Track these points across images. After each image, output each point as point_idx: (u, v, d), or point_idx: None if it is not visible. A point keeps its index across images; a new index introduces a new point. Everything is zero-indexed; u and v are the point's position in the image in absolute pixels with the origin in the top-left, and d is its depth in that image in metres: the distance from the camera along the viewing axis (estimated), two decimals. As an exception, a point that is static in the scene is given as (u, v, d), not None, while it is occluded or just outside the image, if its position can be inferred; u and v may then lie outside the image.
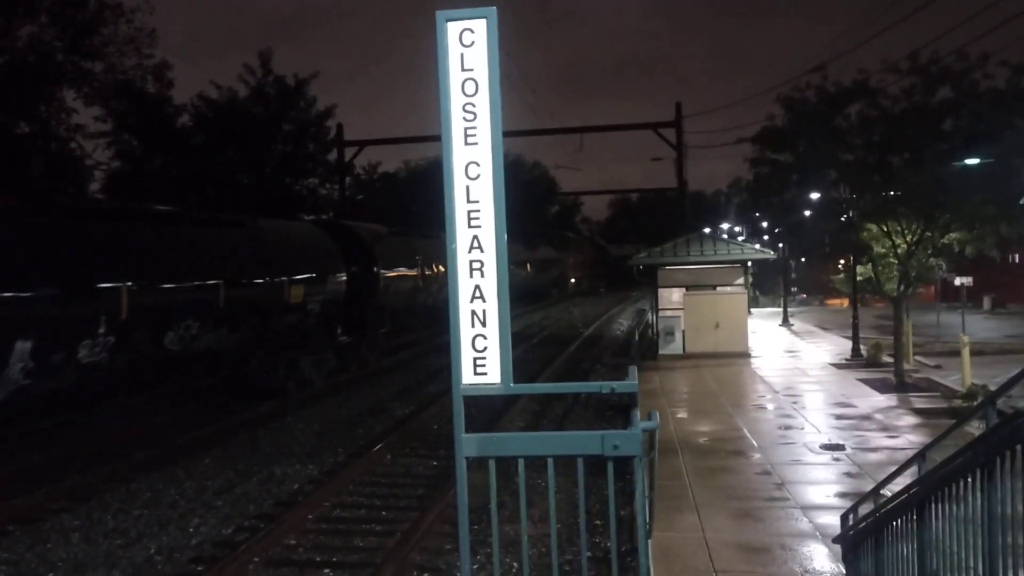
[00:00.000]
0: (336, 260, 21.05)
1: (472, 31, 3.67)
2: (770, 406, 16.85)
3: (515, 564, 8.53)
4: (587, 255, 78.69)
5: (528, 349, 29.28)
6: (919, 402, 16.82)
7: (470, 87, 3.70)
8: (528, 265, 51.70)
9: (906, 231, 19.17)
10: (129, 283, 13.01)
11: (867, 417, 15.33)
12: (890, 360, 20.95)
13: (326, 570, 8.86)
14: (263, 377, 18.54)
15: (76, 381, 12.68)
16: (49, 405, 13.60)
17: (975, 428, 9.57)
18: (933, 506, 4.51)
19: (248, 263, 16.82)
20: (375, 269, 22.57)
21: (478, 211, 3.78)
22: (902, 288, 19.99)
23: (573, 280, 71.17)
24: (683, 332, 24.73)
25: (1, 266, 11.10)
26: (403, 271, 24.90)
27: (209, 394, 18.40)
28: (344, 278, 21.20)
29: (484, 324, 3.77)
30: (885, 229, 19.59)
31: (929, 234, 18.89)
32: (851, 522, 6.93)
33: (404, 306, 25.37)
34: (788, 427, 14.59)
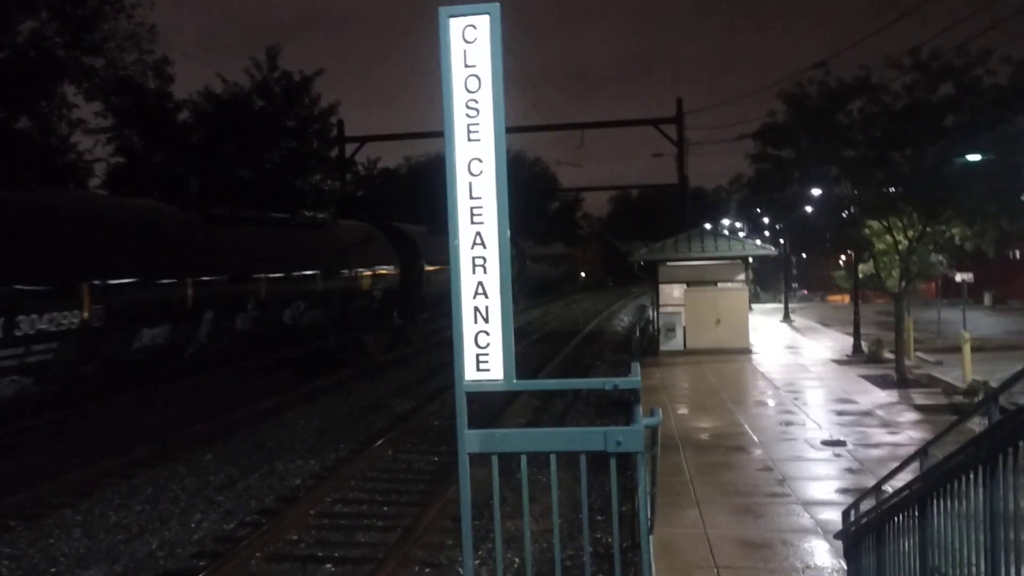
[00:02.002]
0: (391, 255, 25.05)
1: (475, 27, 3.66)
2: (771, 402, 16.86)
3: (517, 560, 8.54)
4: (596, 250, 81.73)
5: (530, 344, 29.29)
6: (920, 398, 16.83)
7: (473, 83, 3.69)
8: (542, 260, 55.67)
9: (907, 227, 19.17)
10: (266, 273, 17.52)
11: (868, 413, 15.34)
12: (891, 356, 20.95)
13: (328, 565, 8.87)
14: (338, 350, 22.65)
15: (231, 344, 17.01)
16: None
17: (977, 424, 9.57)
18: (935, 502, 4.51)
19: (334, 258, 21.16)
20: (420, 263, 26.09)
21: (480, 207, 3.77)
22: (903, 284, 19.99)
23: (583, 274, 74.56)
24: (684, 328, 24.73)
25: (193, 259, 15.41)
26: (440, 266, 27.18)
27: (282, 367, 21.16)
28: (397, 271, 25.19)
29: (487, 320, 3.77)
30: (886, 225, 19.59)
31: (930, 230, 18.89)
32: (852, 518, 6.93)
33: (440, 295, 27.68)
34: (789, 423, 14.60)
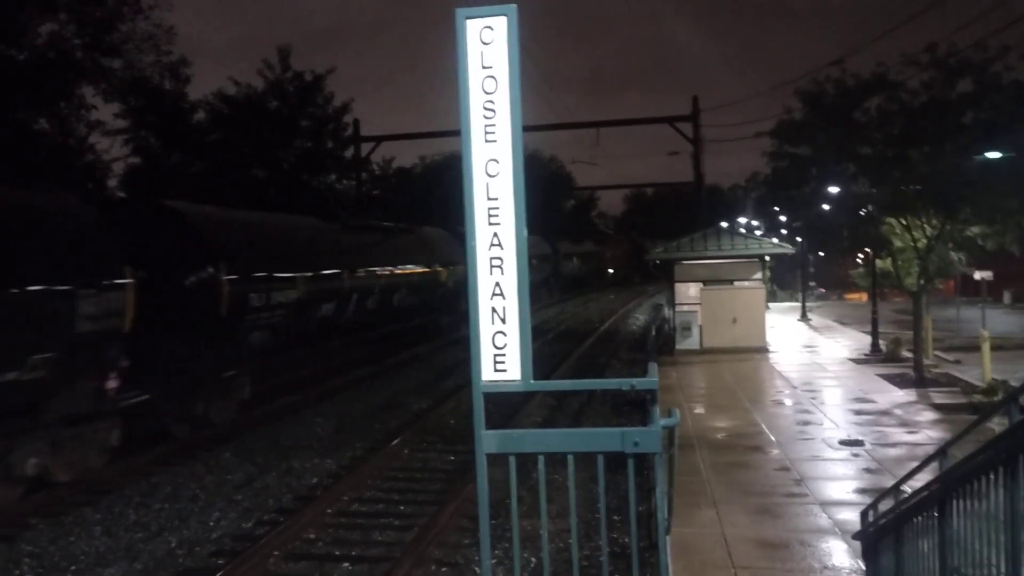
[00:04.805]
0: (460, 254, 28.50)
1: (492, 28, 3.66)
2: (788, 401, 16.79)
3: (533, 559, 8.55)
4: (624, 249, 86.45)
5: (552, 339, 29.28)
6: (939, 397, 16.71)
7: (490, 84, 3.69)
8: (574, 258, 62.29)
9: (926, 225, 19.03)
10: (384, 267, 23.12)
11: (886, 413, 15.25)
12: (909, 355, 20.80)
13: (345, 564, 8.91)
14: (421, 329, 27.64)
15: (364, 317, 22.26)
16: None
17: (997, 425, 9.48)
18: (954, 503, 4.48)
19: (422, 256, 26.61)
20: None
21: (497, 208, 3.77)
22: (922, 282, 19.84)
23: (611, 271, 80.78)
24: (700, 327, 24.66)
25: (345, 258, 20.60)
26: None
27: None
28: (463, 266, 28.29)
29: (504, 321, 3.77)
30: (905, 223, 19.45)
31: (949, 228, 18.74)
32: (871, 518, 6.89)
33: None
34: (807, 423, 14.54)
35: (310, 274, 18.38)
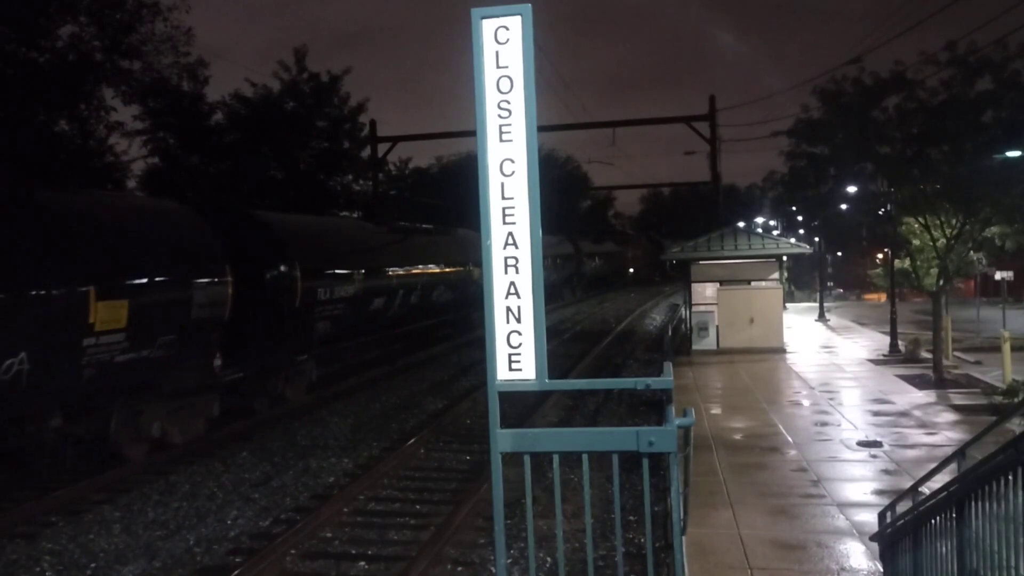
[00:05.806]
0: None
1: (507, 28, 3.67)
2: (806, 402, 16.70)
3: (548, 559, 8.55)
4: (644, 248, 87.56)
5: (571, 339, 29.27)
6: (958, 398, 16.57)
7: (505, 84, 3.71)
8: (596, 257, 64.00)
9: (945, 224, 18.88)
10: (424, 266, 25.26)
11: (905, 414, 15.14)
12: (929, 356, 20.65)
13: (361, 563, 8.94)
14: (455, 323, 29.81)
15: (407, 312, 24.19)
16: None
17: (1016, 425, 9.41)
18: (973, 504, 4.45)
19: (457, 256, 28.53)
20: None
21: (513, 208, 3.78)
22: (941, 282, 19.69)
23: (632, 270, 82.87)
24: (717, 327, 24.57)
25: (391, 258, 22.98)
26: None
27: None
28: None
29: (519, 320, 3.78)
30: (924, 222, 19.31)
31: (969, 228, 18.59)
32: (889, 520, 6.86)
33: None
34: (824, 423, 14.46)
35: (364, 271, 20.61)
